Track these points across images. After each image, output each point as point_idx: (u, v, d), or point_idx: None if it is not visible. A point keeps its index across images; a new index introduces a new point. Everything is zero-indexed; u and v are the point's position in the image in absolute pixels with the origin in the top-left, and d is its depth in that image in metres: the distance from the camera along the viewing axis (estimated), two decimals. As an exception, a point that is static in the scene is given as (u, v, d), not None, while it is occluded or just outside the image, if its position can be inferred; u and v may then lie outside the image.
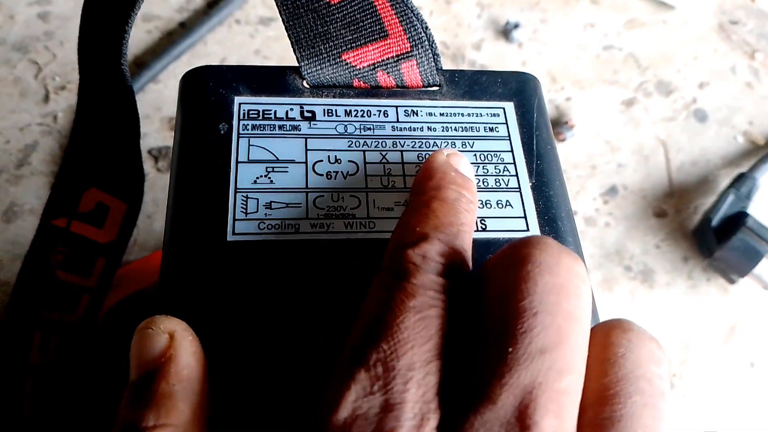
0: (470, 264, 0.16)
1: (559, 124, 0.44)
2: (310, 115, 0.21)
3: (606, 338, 0.15)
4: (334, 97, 0.22)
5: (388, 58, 0.22)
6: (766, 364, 0.39)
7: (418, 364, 0.14)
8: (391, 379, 0.14)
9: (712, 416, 0.37)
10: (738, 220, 0.39)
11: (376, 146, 0.21)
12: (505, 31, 0.47)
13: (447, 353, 0.14)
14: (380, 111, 0.21)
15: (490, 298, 0.15)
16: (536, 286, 0.14)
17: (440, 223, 0.16)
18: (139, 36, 0.44)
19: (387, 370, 0.14)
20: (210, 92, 0.21)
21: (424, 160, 0.21)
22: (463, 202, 0.17)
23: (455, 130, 0.21)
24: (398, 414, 0.14)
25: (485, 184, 0.20)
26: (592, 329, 0.15)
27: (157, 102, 0.42)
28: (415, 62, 0.22)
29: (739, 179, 0.41)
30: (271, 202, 0.19)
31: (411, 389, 0.14)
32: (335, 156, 0.20)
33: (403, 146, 0.21)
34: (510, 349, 0.14)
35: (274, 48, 0.45)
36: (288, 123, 0.21)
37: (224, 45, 0.45)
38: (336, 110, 0.21)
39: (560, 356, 0.14)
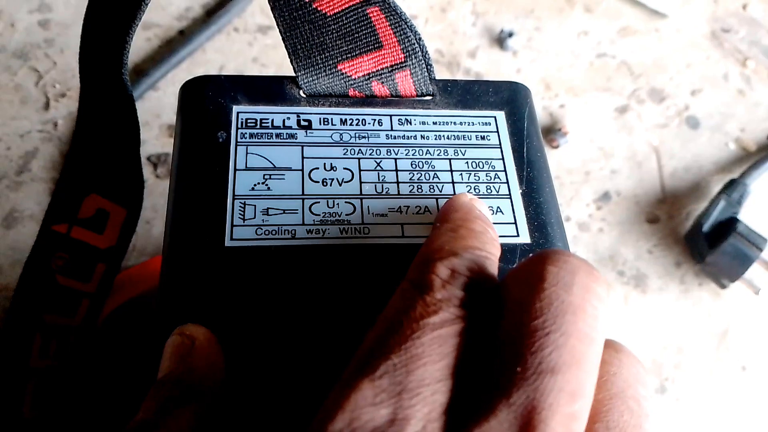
0: (495, 289, 0.16)
1: (553, 130, 0.44)
2: (306, 123, 0.22)
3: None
4: (330, 106, 0.22)
5: (382, 69, 0.22)
6: (758, 367, 0.39)
7: (427, 381, 0.14)
8: (396, 393, 0.13)
9: (705, 419, 0.38)
10: (729, 225, 0.39)
11: (370, 154, 0.21)
12: (500, 39, 0.48)
13: (460, 372, 0.14)
14: (375, 120, 0.22)
15: (506, 315, 0.15)
16: (551, 305, 0.14)
17: (469, 245, 0.16)
18: (138, 44, 0.45)
19: (394, 383, 0.13)
20: (209, 101, 0.21)
21: (417, 167, 0.21)
22: (489, 236, 0.17)
23: (448, 138, 0.22)
24: (399, 429, 0.13)
25: (477, 191, 0.21)
26: None
27: (157, 109, 0.42)
28: (408, 72, 0.22)
29: (730, 185, 0.41)
30: (268, 208, 0.20)
31: (417, 406, 0.13)
32: (331, 163, 0.21)
33: (396, 154, 0.21)
34: (519, 369, 0.13)
35: (272, 56, 0.45)
36: (285, 131, 0.21)
37: (223, 53, 0.45)
38: (332, 119, 0.22)
39: (572, 378, 0.13)
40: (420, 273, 0.15)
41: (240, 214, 0.19)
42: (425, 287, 0.15)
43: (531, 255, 0.15)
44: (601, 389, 0.15)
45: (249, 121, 0.21)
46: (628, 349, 0.16)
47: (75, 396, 0.28)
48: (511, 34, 0.47)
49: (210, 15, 0.46)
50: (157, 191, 0.40)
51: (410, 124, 0.22)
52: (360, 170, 0.21)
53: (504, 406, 0.13)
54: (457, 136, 0.22)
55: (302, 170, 0.21)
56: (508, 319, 0.14)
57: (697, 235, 0.40)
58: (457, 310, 0.15)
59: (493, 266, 0.16)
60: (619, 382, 0.15)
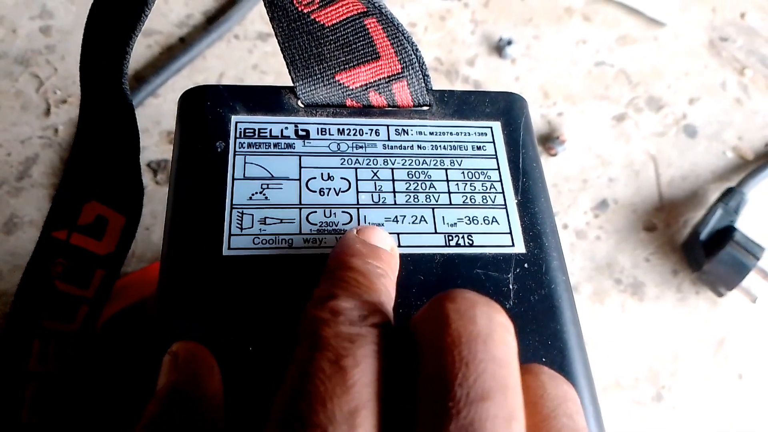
0: (391, 317, 0.16)
1: (551, 138, 0.44)
2: (304, 133, 0.22)
3: (522, 382, 0.15)
4: (327, 116, 0.22)
5: (379, 79, 0.22)
6: (755, 375, 0.39)
7: (338, 417, 0.13)
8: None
9: (701, 428, 0.38)
10: (726, 234, 0.40)
11: (367, 164, 0.21)
12: (499, 47, 0.48)
13: (385, 414, 0.14)
14: (372, 130, 0.22)
15: (422, 353, 0.15)
16: (461, 337, 0.14)
17: (347, 285, 0.16)
18: (139, 51, 0.45)
19: (305, 426, 0.13)
20: (208, 111, 0.22)
21: (413, 177, 0.21)
22: (371, 267, 0.17)
23: (444, 148, 0.22)
24: None
25: (472, 200, 0.21)
26: None
27: (157, 116, 0.43)
28: (405, 83, 0.22)
29: (728, 194, 0.42)
30: (265, 217, 0.20)
31: None
32: (328, 173, 0.21)
33: (393, 164, 0.22)
34: (450, 403, 0.13)
35: (272, 63, 0.46)
36: (283, 141, 0.21)
37: (223, 60, 0.45)
38: (329, 129, 0.22)
39: (503, 402, 0.13)
40: (302, 325, 0.15)
41: (238, 223, 0.20)
42: (312, 333, 0.15)
43: (434, 297, 0.16)
44: (532, 413, 0.15)
45: (247, 130, 0.21)
46: (547, 369, 0.16)
47: (73, 401, 0.28)
48: (509, 42, 0.48)
49: (210, 22, 0.47)
50: (156, 198, 0.40)
51: (407, 134, 0.22)
52: (357, 180, 0.21)
53: None
54: (454, 146, 0.22)
55: (300, 180, 0.21)
56: (424, 359, 0.14)
57: (694, 244, 0.41)
58: (350, 344, 0.14)
59: (382, 298, 0.17)
60: (547, 403, 0.15)
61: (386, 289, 0.17)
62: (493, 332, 0.14)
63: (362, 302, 0.16)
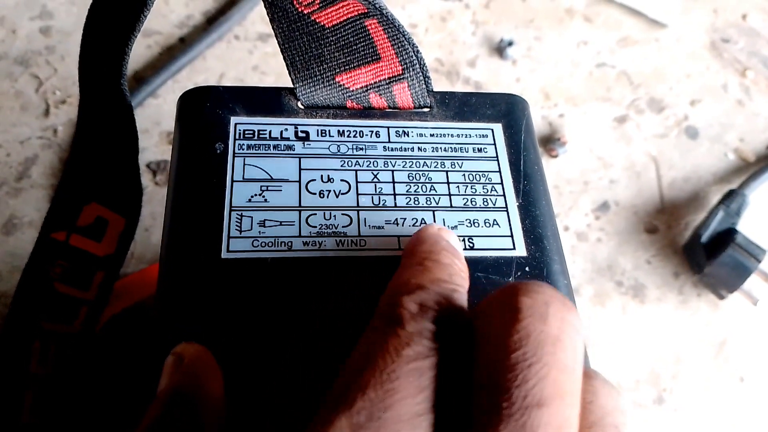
0: (466, 322, 0.16)
1: (552, 140, 0.44)
2: (304, 135, 0.22)
3: None
4: (327, 117, 0.22)
5: (380, 81, 0.22)
6: (756, 378, 0.39)
7: (406, 417, 0.13)
8: (374, 429, 0.13)
9: (703, 430, 0.38)
10: (727, 236, 0.39)
11: (367, 166, 0.21)
12: (500, 49, 0.48)
13: (440, 407, 0.14)
14: (372, 131, 0.22)
15: (482, 348, 0.14)
16: (529, 337, 0.14)
17: (436, 278, 0.16)
18: (139, 51, 0.45)
19: (371, 419, 0.13)
20: (207, 112, 0.21)
21: (414, 179, 0.21)
22: (456, 268, 0.17)
23: (445, 150, 0.22)
24: None
25: (473, 203, 0.21)
26: None
27: (156, 116, 0.43)
28: (406, 84, 0.22)
29: (729, 196, 0.41)
30: (264, 220, 0.20)
31: None
32: (328, 175, 0.21)
33: (394, 166, 0.21)
34: (504, 403, 0.13)
35: (272, 64, 0.46)
36: (282, 143, 0.21)
37: (223, 60, 0.45)
38: (329, 130, 0.22)
39: (558, 411, 0.13)
40: (389, 307, 0.15)
41: (237, 225, 0.19)
42: (396, 321, 0.15)
43: (501, 287, 0.15)
44: (580, 419, 0.15)
45: (247, 132, 0.21)
46: (602, 375, 0.16)
47: (73, 403, 0.28)
48: (510, 44, 0.47)
49: (210, 23, 0.47)
50: (156, 198, 0.40)
51: (407, 136, 0.22)
52: (357, 182, 0.21)
53: None
54: (454, 148, 0.22)
55: (299, 182, 0.21)
56: (484, 352, 0.14)
57: (695, 246, 0.40)
58: (430, 343, 0.14)
59: (462, 299, 0.16)
60: (596, 410, 0.15)
61: (465, 293, 0.17)
62: (563, 335, 0.14)
63: (448, 302, 0.15)
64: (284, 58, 0.22)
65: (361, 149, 0.22)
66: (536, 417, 0.13)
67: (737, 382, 0.39)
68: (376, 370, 0.14)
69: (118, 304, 0.34)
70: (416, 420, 0.13)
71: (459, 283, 0.17)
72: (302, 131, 0.22)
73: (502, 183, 0.22)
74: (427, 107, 0.23)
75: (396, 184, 0.21)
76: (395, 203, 0.21)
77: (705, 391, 0.39)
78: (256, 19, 0.47)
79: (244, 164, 0.21)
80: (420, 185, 0.21)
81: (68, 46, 0.45)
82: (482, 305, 0.15)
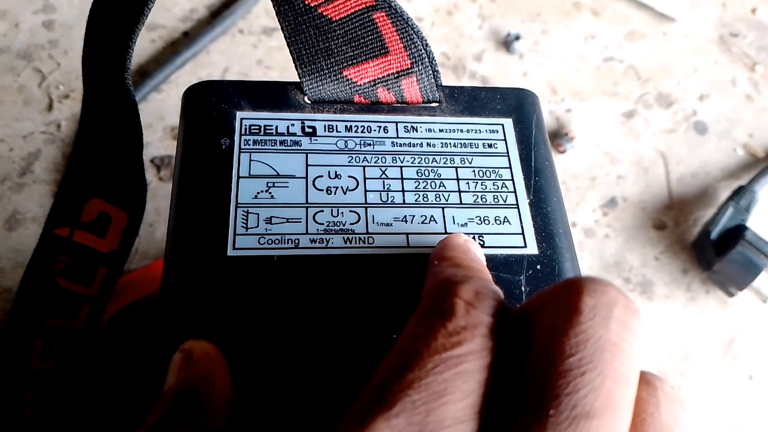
0: (520, 317, 0.15)
1: (559, 135, 0.44)
2: (311, 130, 0.21)
3: (637, 392, 0.14)
4: (334, 112, 0.22)
5: (388, 75, 0.22)
6: (765, 376, 0.39)
7: (448, 422, 0.12)
8: None
9: (711, 428, 0.37)
10: (737, 233, 0.39)
11: (375, 162, 0.21)
12: (506, 43, 0.47)
13: (486, 411, 0.13)
14: (380, 127, 0.22)
15: (535, 347, 0.13)
16: (587, 342, 0.13)
17: (480, 275, 0.15)
18: (142, 45, 0.44)
19: (412, 423, 0.12)
20: (212, 107, 0.21)
21: (423, 176, 0.21)
22: (485, 274, 0.16)
23: (454, 146, 0.22)
24: None
25: (483, 200, 0.21)
26: None
27: (160, 111, 0.42)
28: (415, 78, 0.22)
29: (739, 192, 0.41)
30: (271, 217, 0.19)
31: None
32: (335, 171, 0.21)
33: (402, 162, 0.21)
34: (551, 411, 0.12)
35: (277, 58, 0.45)
36: (289, 138, 0.21)
37: (227, 55, 0.45)
38: (336, 126, 0.21)
39: (608, 424, 0.12)
40: (439, 297, 0.14)
41: (243, 222, 0.19)
42: (446, 312, 0.14)
43: (562, 281, 0.14)
44: (638, 430, 0.14)
45: (253, 127, 0.21)
46: (667, 384, 0.15)
47: (76, 400, 0.28)
48: (517, 38, 0.47)
49: (214, 17, 0.46)
50: (160, 194, 0.40)
51: (416, 131, 0.22)
52: (365, 178, 0.20)
53: None
54: (464, 144, 0.22)
55: (306, 178, 0.20)
56: (537, 352, 0.13)
57: (704, 243, 0.40)
58: (484, 341, 0.13)
59: (502, 299, 0.16)
60: (656, 424, 0.14)
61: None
62: (622, 342, 0.13)
63: (498, 295, 0.15)
64: (291, 52, 0.22)
65: (369, 145, 0.21)
66: (584, 428, 0.12)
67: (746, 380, 0.39)
68: (421, 370, 0.13)
69: (122, 301, 0.34)
70: (458, 427, 0.12)
71: (497, 288, 0.16)
72: (309, 126, 0.21)
73: (512, 179, 0.21)
74: (436, 102, 0.23)
75: (404, 181, 0.21)
76: (404, 200, 0.20)
77: (713, 389, 0.38)
78: (260, 13, 0.47)
79: (250, 160, 0.20)
80: (429, 182, 0.21)
81: (71, 40, 0.44)
82: (538, 299, 0.14)
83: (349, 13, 0.21)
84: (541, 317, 0.14)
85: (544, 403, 0.12)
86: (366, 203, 0.20)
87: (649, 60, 0.48)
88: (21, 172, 0.39)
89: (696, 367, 0.39)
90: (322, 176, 0.20)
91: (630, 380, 0.13)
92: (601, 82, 0.47)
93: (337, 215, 0.20)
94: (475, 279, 0.15)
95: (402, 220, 0.20)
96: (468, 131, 0.22)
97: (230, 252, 0.19)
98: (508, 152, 0.22)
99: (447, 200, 0.20)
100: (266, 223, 0.19)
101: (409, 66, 0.22)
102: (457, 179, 0.21)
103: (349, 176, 0.20)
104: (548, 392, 0.12)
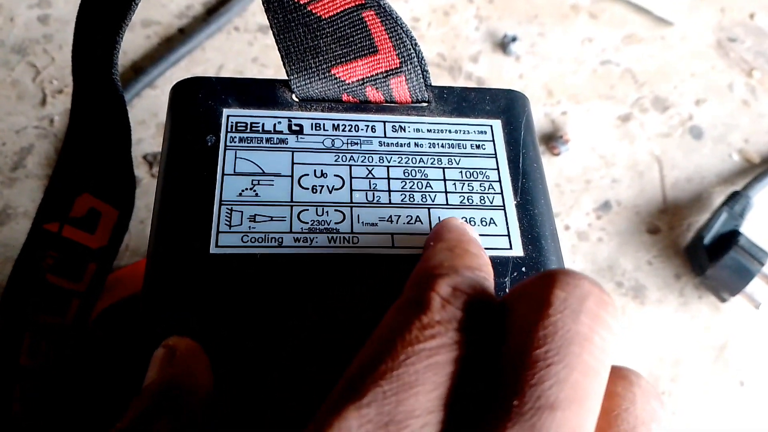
0: (497, 311, 0.15)
1: (554, 137, 0.44)
2: (297, 128, 0.21)
3: (611, 387, 0.14)
4: (322, 111, 0.22)
5: (377, 74, 0.22)
6: (756, 383, 0.39)
7: (417, 412, 0.13)
8: (383, 424, 0.12)
9: (701, 434, 0.37)
10: (730, 238, 0.39)
11: (362, 161, 0.21)
12: (503, 44, 0.47)
13: (454, 402, 0.13)
14: (368, 126, 0.22)
15: (508, 340, 0.13)
16: (556, 334, 0.13)
17: (469, 264, 0.15)
18: (137, 41, 0.44)
19: (381, 413, 0.12)
20: (199, 104, 0.21)
21: (409, 176, 0.21)
22: (484, 259, 0.16)
23: (442, 146, 0.22)
24: None
25: (470, 201, 0.21)
26: None
27: (154, 107, 0.42)
28: (404, 78, 0.22)
29: (733, 197, 0.41)
30: (255, 215, 0.19)
31: None
32: (321, 170, 0.20)
33: (389, 162, 0.21)
34: (516, 402, 0.12)
35: (272, 56, 0.45)
36: (275, 136, 0.21)
37: (222, 52, 0.45)
38: (324, 124, 0.21)
39: (572, 416, 0.12)
40: (418, 290, 0.14)
41: (226, 220, 0.19)
42: (423, 306, 0.14)
43: (539, 273, 0.14)
44: (611, 425, 0.14)
45: (239, 124, 0.21)
46: (644, 380, 0.15)
47: (65, 396, 0.28)
48: (514, 39, 0.47)
49: (210, 14, 0.46)
50: (152, 190, 0.39)
51: (404, 131, 0.22)
52: (351, 178, 0.20)
53: None
54: (452, 144, 0.22)
55: (292, 176, 0.20)
56: (509, 344, 0.13)
57: (697, 248, 0.40)
58: (456, 335, 0.13)
59: (492, 288, 0.16)
60: (630, 419, 0.14)
61: (493, 286, 0.16)
62: (593, 335, 0.13)
63: (481, 289, 0.15)
64: (279, 50, 0.22)
65: (356, 144, 0.21)
66: (546, 420, 0.12)
67: (737, 387, 0.39)
68: (393, 361, 0.13)
69: (112, 297, 0.34)
70: (427, 417, 0.13)
71: (489, 272, 0.16)
72: (296, 124, 0.21)
73: (500, 181, 0.21)
74: (424, 102, 0.22)
75: (391, 180, 0.21)
76: (390, 200, 0.20)
77: (704, 395, 0.38)
78: (256, 11, 0.47)
79: (236, 157, 0.20)
80: (416, 182, 0.21)
81: (66, 35, 0.44)
82: (514, 292, 0.14)
83: (338, 11, 0.21)
84: (515, 309, 0.14)
85: (510, 394, 0.12)
86: (351, 203, 0.20)
87: (646, 64, 0.48)
88: (13, 167, 0.39)
89: (687, 372, 0.39)
90: (307, 175, 0.20)
91: (599, 373, 0.13)
92: (597, 85, 0.47)
93: (322, 214, 0.20)
94: (458, 272, 0.15)
95: (387, 220, 0.20)
96: (456, 132, 0.22)
97: (213, 250, 0.18)
98: (496, 153, 0.22)
99: (433, 201, 0.20)
100: (250, 221, 0.19)
101: (398, 65, 0.22)
102: (444, 180, 0.21)
103: (335, 175, 0.20)
104: (515, 384, 0.12)
